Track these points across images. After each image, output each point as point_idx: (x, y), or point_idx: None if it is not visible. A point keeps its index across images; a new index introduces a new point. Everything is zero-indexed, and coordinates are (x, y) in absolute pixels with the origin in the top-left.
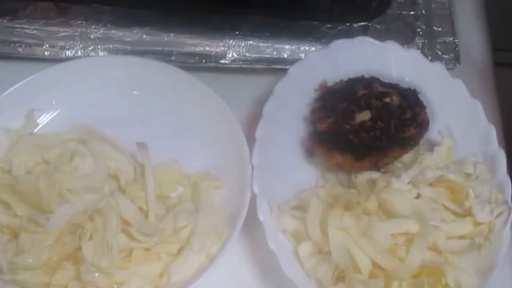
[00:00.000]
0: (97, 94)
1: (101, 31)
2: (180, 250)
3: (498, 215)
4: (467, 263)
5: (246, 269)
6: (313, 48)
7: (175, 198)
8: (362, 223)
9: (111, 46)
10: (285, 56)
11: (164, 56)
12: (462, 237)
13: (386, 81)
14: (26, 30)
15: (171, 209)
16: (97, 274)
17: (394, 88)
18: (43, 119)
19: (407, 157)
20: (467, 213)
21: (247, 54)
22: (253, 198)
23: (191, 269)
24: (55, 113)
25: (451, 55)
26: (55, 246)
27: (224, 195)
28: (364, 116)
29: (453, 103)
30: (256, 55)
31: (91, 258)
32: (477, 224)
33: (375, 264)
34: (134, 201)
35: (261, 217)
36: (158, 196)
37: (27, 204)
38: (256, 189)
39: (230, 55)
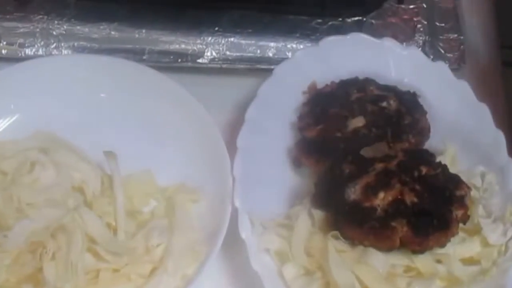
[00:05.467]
0: (60, 97)
1: (65, 26)
2: (152, 271)
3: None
4: None
5: None
6: (301, 46)
7: (148, 214)
8: (358, 247)
9: (75, 44)
10: (270, 55)
11: (135, 54)
12: (469, 260)
13: (383, 83)
14: None
15: (142, 226)
16: None
17: (392, 91)
18: (0, 125)
19: None
20: (476, 229)
21: (228, 53)
22: (234, 213)
23: None
24: (13, 119)
25: (456, 53)
26: (13, 267)
27: (202, 210)
28: (358, 122)
29: (457, 107)
30: (238, 54)
31: (53, 280)
32: (486, 245)
33: None
34: (101, 217)
35: (243, 234)
36: (128, 211)
37: None
38: (237, 204)
39: (208, 54)
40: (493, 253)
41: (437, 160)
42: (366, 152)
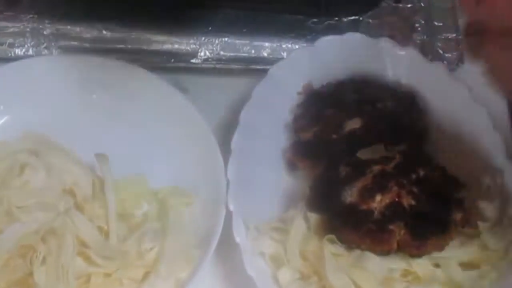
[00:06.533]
0: (51, 98)
1: (56, 26)
2: (145, 276)
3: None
4: None
5: None
6: (297, 46)
7: (140, 217)
8: (355, 251)
9: (66, 44)
10: (265, 55)
11: (127, 54)
12: (468, 264)
13: (380, 83)
14: None
15: (135, 229)
16: None
17: (389, 92)
18: None
19: None
20: (475, 233)
21: (222, 53)
22: (228, 216)
23: None
24: (2, 120)
25: (454, 53)
26: (3, 271)
27: (195, 213)
28: (354, 124)
29: (455, 108)
30: (232, 54)
31: (44, 285)
32: (485, 249)
33: None
34: (92, 220)
35: (237, 238)
36: (120, 214)
37: None
38: (231, 207)
39: (202, 54)
40: (492, 257)
41: (435, 162)
42: (363, 154)
